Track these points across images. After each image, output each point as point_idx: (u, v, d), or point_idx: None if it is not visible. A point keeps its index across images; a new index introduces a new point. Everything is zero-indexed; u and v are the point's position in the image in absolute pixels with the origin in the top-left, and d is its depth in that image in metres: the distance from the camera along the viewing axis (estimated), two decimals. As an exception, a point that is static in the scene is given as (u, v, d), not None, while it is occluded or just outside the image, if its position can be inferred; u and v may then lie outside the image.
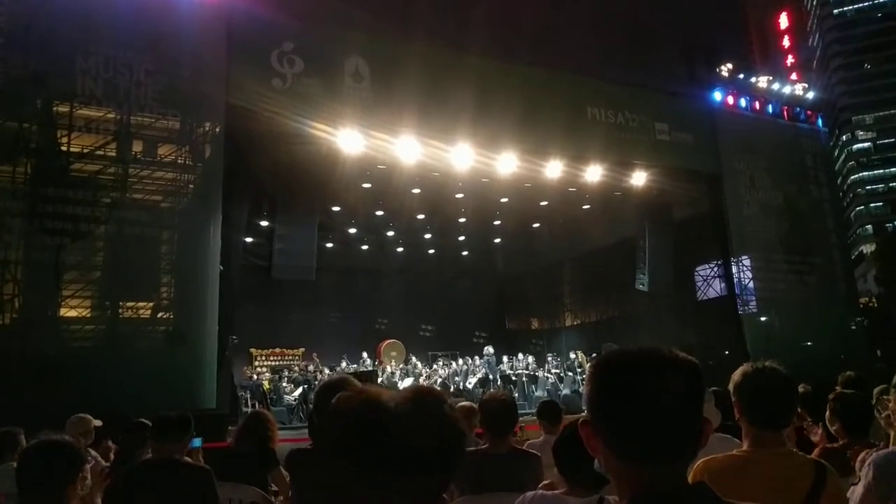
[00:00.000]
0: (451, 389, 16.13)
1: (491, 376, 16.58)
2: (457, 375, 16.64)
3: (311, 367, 16.27)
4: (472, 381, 16.44)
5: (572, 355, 17.77)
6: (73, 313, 10.24)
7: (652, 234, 18.43)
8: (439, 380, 16.29)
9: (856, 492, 2.29)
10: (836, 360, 15.64)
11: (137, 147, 11.42)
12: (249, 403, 13.93)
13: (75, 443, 2.53)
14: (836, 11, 77.29)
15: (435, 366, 16.89)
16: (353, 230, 21.17)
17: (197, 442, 4.47)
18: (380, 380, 15.42)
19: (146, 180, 11.19)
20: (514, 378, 16.70)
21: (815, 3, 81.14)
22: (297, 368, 17.06)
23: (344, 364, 16.45)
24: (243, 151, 12.15)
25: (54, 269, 9.94)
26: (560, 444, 2.51)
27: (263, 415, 4.65)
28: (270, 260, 14.72)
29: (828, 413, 3.33)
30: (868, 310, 29.63)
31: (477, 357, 17.42)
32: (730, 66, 19.58)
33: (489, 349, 17.39)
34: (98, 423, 4.61)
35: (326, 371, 16.22)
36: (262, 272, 15.43)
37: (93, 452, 4.54)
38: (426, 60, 13.40)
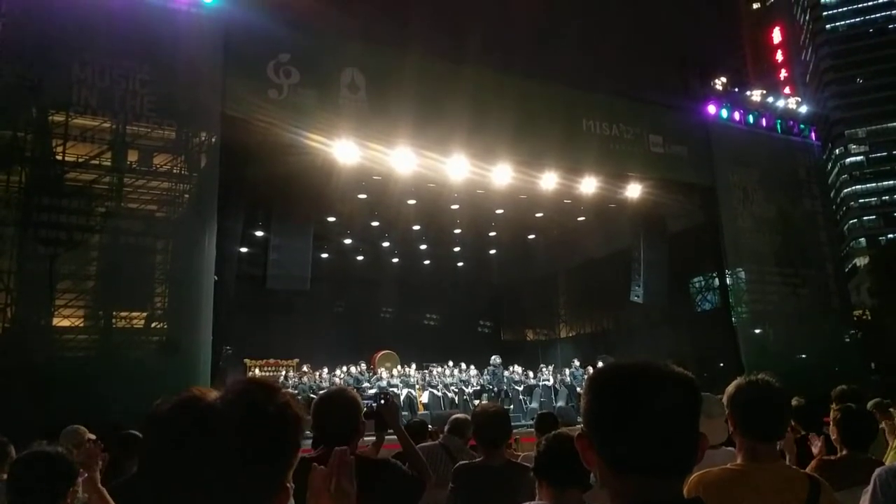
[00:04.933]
0: (454, 399, 16.06)
1: (496, 388, 16.48)
2: (453, 385, 16.56)
3: (304, 379, 16.19)
4: (468, 392, 16.39)
5: (567, 369, 17.73)
6: (66, 323, 10.17)
7: (647, 246, 18.47)
8: (437, 389, 16.21)
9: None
10: (830, 372, 15.66)
11: (133, 156, 11.39)
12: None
13: (68, 455, 2.51)
14: (828, 27, 78.17)
15: (427, 374, 16.80)
16: (348, 241, 21.15)
17: None
18: (373, 390, 15.33)
19: (141, 190, 11.16)
20: (509, 390, 16.64)
21: (807, 18, 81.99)
22: (291, 379, 16.96)
23: (339, 374, 16.38)
24: (239, 161, 12.14)
25: (48, 279, 9.89)
26: (545, 454, 2.52)
27: None
28: (265, 270, 14.65)
29: (831, 425, 3.34)
30: (862, 322, 29.74)
31: (473, 367, 17.36)
32: (724, 79, 19.70)
33: (496, 359, 17.29)
34: (92, 435, 4.57)
35: (324, 376, 16.13)
36: (256, 282, 15.35)
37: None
38: (422, 72, 13.44)
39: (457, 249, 23.09)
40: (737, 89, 20.59)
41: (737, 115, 18.62)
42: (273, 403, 0.99)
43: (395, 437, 3.13)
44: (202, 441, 0.93)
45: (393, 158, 13.37)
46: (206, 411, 0.95)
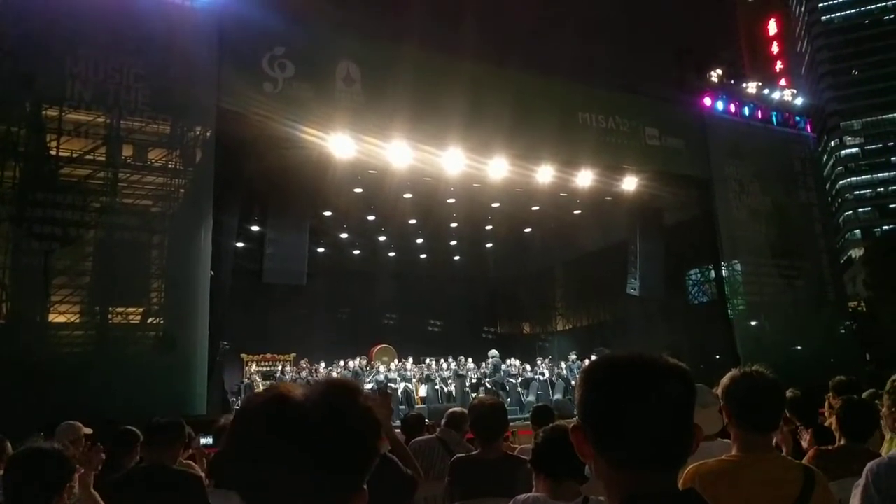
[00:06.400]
0: (452, 392, 16.09)
1: (496, 381, 16.50)
2: (450, 378, 16.58)
3: (302, 374, 16.19)
4: (465, 386, 16.41)
5: (563, 362, 17.77)
6: (62, 318, 10.16)
7: (643, 239, 18.49)
8: (434, 382, 16.23)
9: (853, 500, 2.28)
10: (826, 363, 15.73)
11: (127, 151, 11.36)
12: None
13: (64, 451, 2.50)
14: (823, 18, 78.02)
15: (425, 368, 16.81)
16: (344, 235, 21.11)
17: None
18: (370, 384, 15.34)
19: (136, 185, 11.13)
20: (505, 383, 16.67)
21: (803, 9, 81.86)
22: (288, 374, 16.97)
23: (337, 368, 16.39)
24: (234, 156, 12.10)
25: (43, 274, 9.87)
26: (542, 447, 2.53)
27: None
28: (261, 265, 14.63)
29: (830, 415, 3.34)
30: (857, 314, 29.83)
31: (470, 360, 17.37)
32: (720, 71, 19.73)
33: (494, 352, 17.31)
34: (88, 430, 4.56)
35: (321, 370, 16.13)
36: (253, 277, 15.33)
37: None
38: (418, 65, 13.41)
39: (453, 243, 23.08)
40: (732, 81, 20.63)
41: (732, 108, 18.65)
42: (355, 407, 1.02)
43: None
44: (286, 440, 0.96)
45: (389, 152, 13.34)
46: (292, 411, 0.98)
